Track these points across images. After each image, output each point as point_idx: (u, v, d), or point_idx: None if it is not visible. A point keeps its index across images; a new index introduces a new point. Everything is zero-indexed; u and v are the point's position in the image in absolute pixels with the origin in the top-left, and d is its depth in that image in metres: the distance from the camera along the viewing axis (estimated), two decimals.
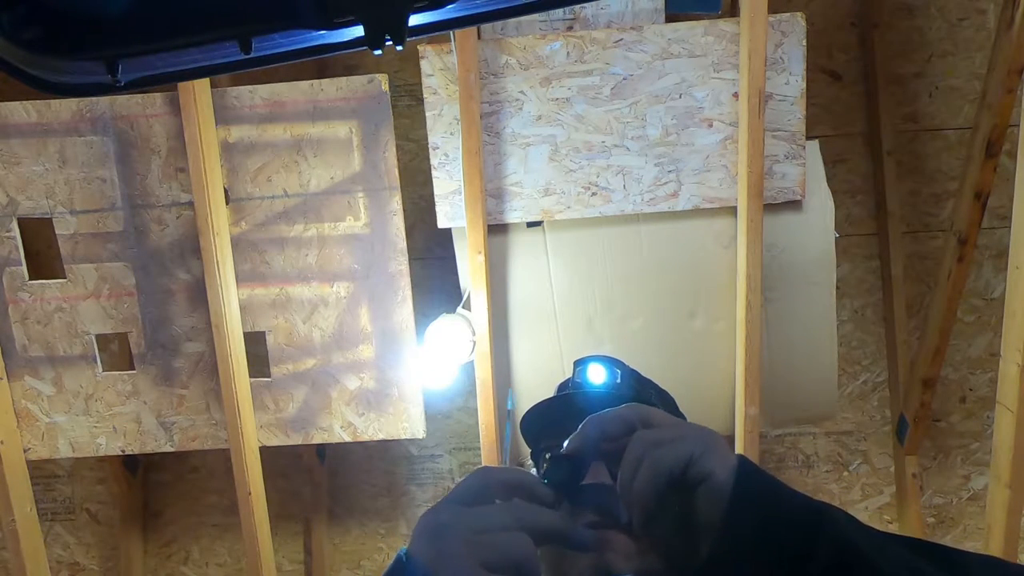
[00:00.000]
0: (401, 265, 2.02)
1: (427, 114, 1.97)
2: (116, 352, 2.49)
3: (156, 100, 1.98)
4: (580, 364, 0.94)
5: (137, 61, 0.57)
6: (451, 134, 1.97)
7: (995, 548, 1.81)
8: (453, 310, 2.07)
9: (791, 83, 1.91)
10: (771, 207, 1.97)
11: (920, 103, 2.63)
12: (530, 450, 0.99)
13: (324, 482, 2.83)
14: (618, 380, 0.92)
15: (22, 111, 1.98)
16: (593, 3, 1.90)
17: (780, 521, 0.58)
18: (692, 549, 0.61)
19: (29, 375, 2.10)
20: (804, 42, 1.89)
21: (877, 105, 2.59)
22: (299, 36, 0.57)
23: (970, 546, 2.64)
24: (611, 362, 0.93)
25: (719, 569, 0.59)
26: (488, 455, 2.06)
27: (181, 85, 1.88)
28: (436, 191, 2.01)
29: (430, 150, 1.99)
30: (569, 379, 0.96)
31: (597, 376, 0.92)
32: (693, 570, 0.62)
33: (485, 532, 0.54)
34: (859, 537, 0.58)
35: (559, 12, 1.96)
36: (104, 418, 2.12)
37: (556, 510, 0.62)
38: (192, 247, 2.02)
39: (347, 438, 2.12)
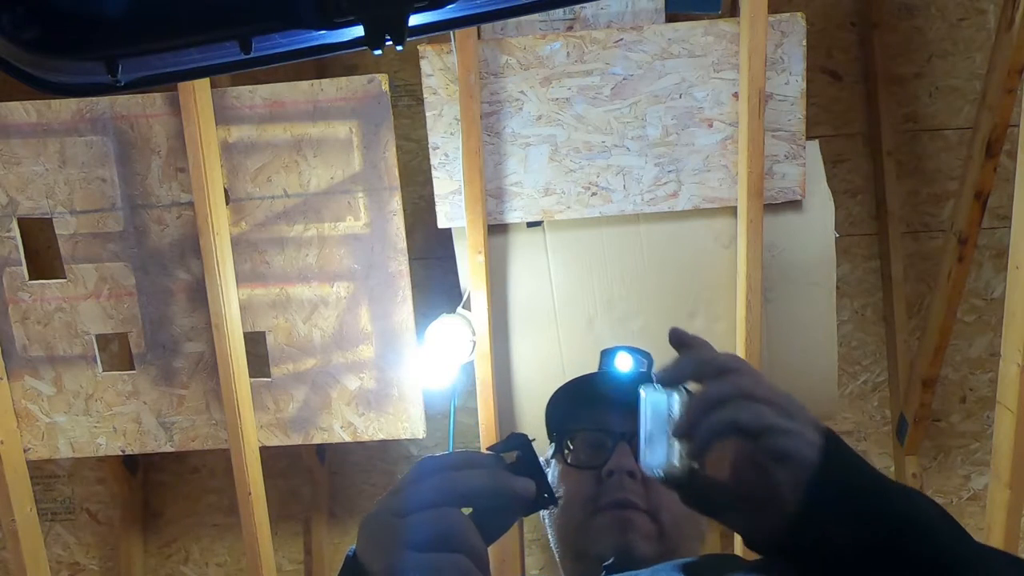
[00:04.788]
0: (401, 265, 2.02)
1: (427, 114, 1.97)
2: (116, 352, 2.49)
3: (156, 100, 1.97)
4: (608, 354, 0.93)
5: (137, 61, 0.57)
6: (451, 134, 1.97)
7: None
8: (453, 310, 2.07)
9: (791, 83, 1.91)
10: (771, 207, 1.97)
11: (920, 103, 2.63)
12: (551, 439, 0.96)
13: (324, 482, 2.83)
14: (643, 370, 0.92)
15: (22, 111, 1.98)
16: (593, 3, 1.90)
17: (868, 505, 0.56)
18: (765, 524, 0.59)
19: (29, 375, 2.10)
20: (804, 42, 1.89)
21: (877, 105, 2.59)
22: (299, 36, 0.57)
23: None
24: (638, 352, 0.93)
25: (795, 549, 0.57)
26: None
27: (181, 85, 1.88)
28: (436, 191, 2.01)
29: (430, 150, 1.99)
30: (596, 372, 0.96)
31: (624, 365, 0.92)
32: (767, 544, 0.60)
33: (408, 514, 0.54)
34: (949, 534, 0.56)
35: (559, 12, 1.96)
36: (104, 418, 2.12)
37: (495, 470, 0.59)
38: (192, 247, 2.02)
39: (347, 438, 2.12)
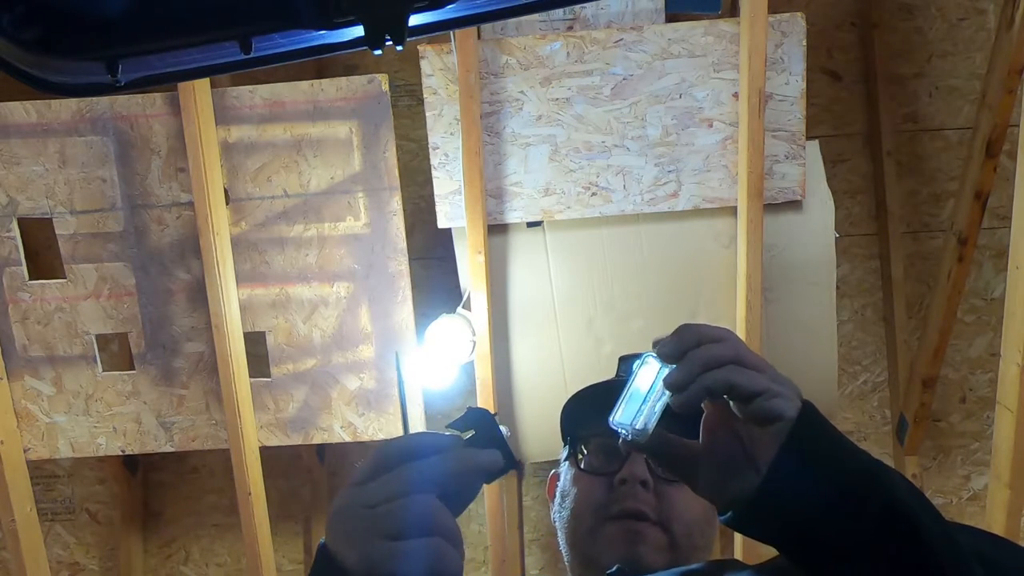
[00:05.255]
0: (401, 265, 2.02)
1: (427, 114, 1.97)
2: (116, 352, 2.49)
3: (156, 100, 1.97)
4: (627, 360, 0.93)
5: (137, 61, 0.57)
6: (451, 134, 1.97)
7: None
8: (453, 310, 2.06)
9: (791, 83, 1.91)
10: (771, 207, 1.97)
11: (920, 103, 2.63)
12: (565, 442, 0.95)
13: (324, 482, 2.83)
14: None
15: (22, 111, 1.98)
16: (593, 3, 1.90)
17: (836, 468, 0.60)
18: (738, 484, 0.62)
19: (29, 375, 2.10)
20: (804, 42, 1.89)
21: (877, 105, 2.59)
22: (299, 36, 0.57)
23: None
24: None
25: (765, 508, 0.60)
26: None
27: (181, 85, 1.88)
28: (436, 191, 2.01)
29: (430, 150, 1.99)
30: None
31: None
32: (739, 503, 0.62)
33: (378, 505, 0.54)
34: (914, 503, 0.59)
35: (559, 12, 1.96)
36: (104, 418, 2.12)
37: (458, 451, 0.59)
38: (192, 247, 2.02)
39: (347, 438, 2.12)
